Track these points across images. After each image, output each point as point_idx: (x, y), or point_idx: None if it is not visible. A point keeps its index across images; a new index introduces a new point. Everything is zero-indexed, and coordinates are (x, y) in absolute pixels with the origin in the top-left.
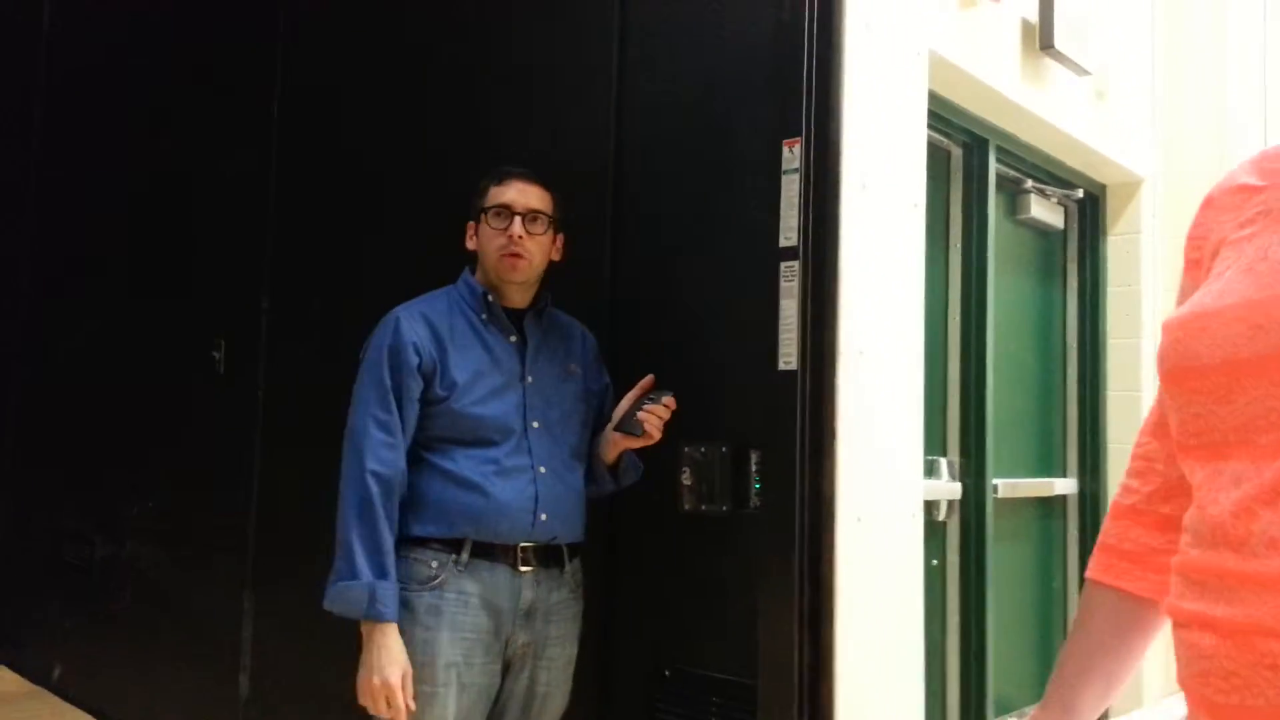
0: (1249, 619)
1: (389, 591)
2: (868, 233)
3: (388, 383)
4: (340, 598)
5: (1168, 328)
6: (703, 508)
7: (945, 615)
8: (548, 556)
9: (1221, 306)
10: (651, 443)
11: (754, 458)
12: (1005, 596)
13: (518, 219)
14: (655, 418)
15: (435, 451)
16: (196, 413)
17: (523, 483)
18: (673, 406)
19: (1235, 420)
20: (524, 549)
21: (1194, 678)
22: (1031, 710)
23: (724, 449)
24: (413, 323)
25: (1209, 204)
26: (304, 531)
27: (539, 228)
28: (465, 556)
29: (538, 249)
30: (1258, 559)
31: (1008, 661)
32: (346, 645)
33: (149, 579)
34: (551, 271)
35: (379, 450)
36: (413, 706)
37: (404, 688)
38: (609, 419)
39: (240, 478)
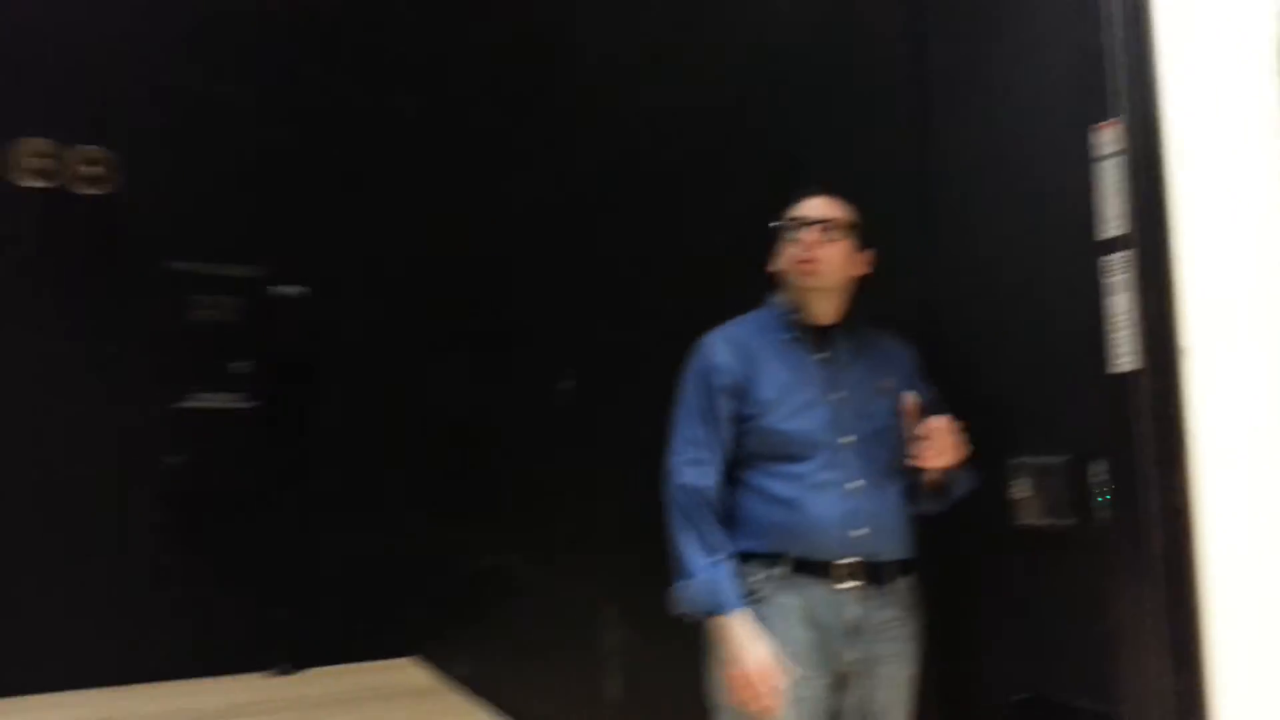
0: None
1: (727, 583)
2: (1212, 216)
3: (698, 404)
4: (683, 598)
5: None
6: (1041, 523)
7: None
8: (871, 573)
9: None
10: (943, 466)
11: (1096, 468)
12: None
13: (810, 227)
14: (928, 454)
15: (750, 469)
16: (551, 435)
17: (834, 498)
18: (939, 428)
19: None
20: (843, 565)
21: None
22: None
23: (1061, 459)
24: (721, 345)
25: None
26: (660, 541)
27: (833, 235)
28: (784, 571)
29: (834, 256)
30: None
31: None
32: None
33: (526, 586)
34: (862, 288)
35: (686, 468)
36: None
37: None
38: None
39: (589, 494)
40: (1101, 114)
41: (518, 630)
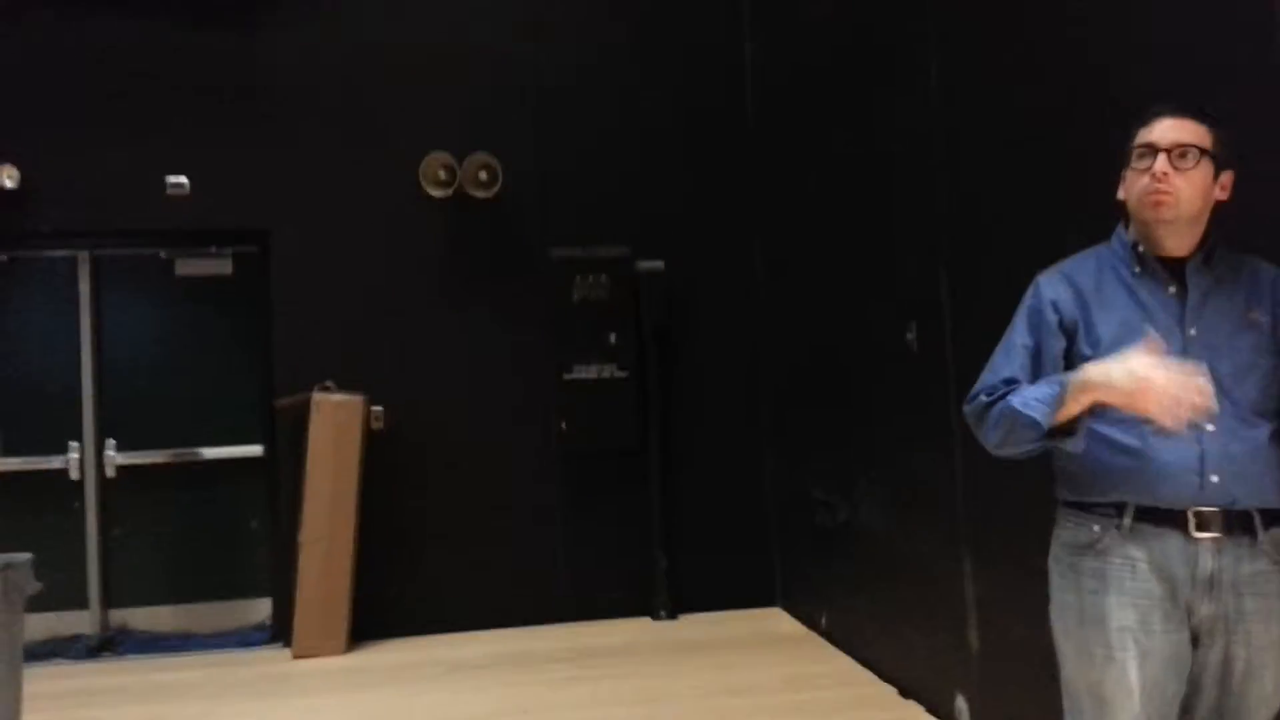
0: None
1: (1036, 384)
2: None
3: (1021, 342)
4: (1039, 422)
5: None
6: None
7: None
8: (1232, 523)
9: None
10: None
11: None
12: None
13: (1161, 156)
14: None
15: (1091, 416)
16: (900, 389)
17: (1185, 443)
18: None
19: None
20: (1198, 513)
21: None
22: None
23: None
24: (1054, 284)
25: None
26: (1013, 494)
27: (1188, 163)
28: (1128, 521)
29: (1188, 186)
30: None
31: None
32: None
33: (881, 541)
34: (1225, 213)
35: (976, 394)
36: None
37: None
38: None
39: (943, 447)
40: None
41: (875, 581)
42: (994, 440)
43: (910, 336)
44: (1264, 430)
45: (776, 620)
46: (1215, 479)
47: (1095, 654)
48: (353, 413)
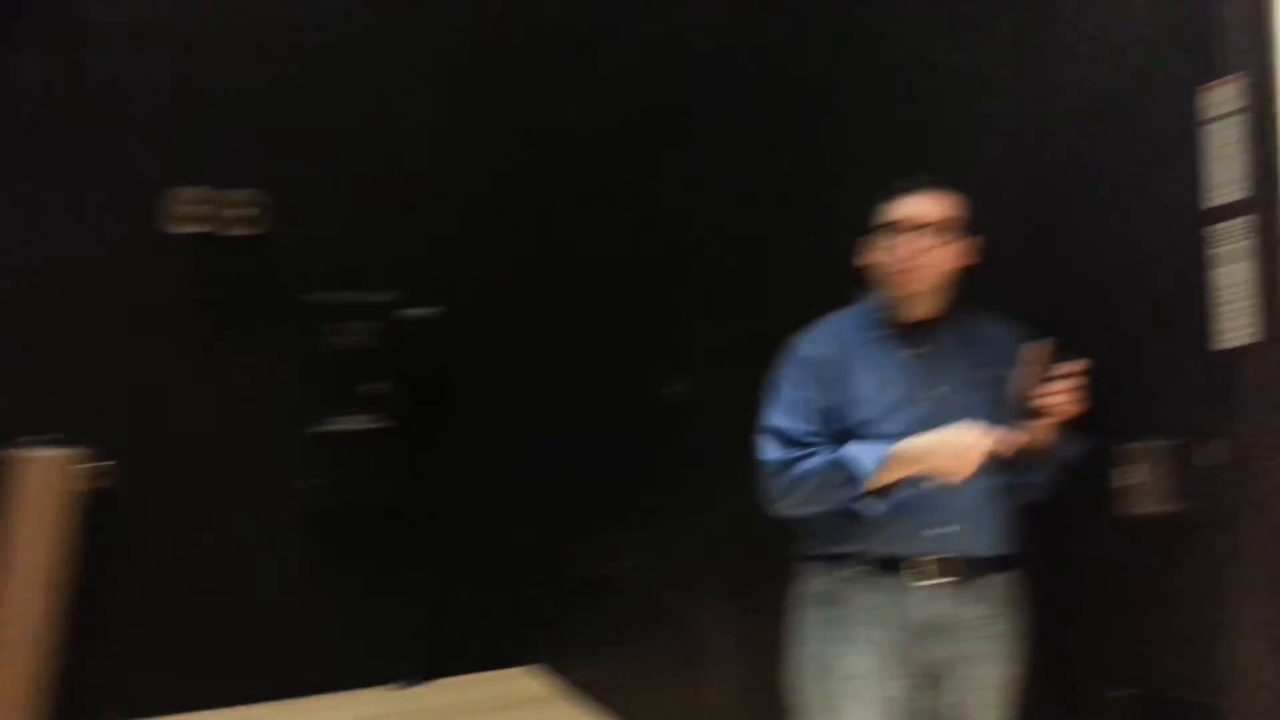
0: None
1: (859, 446)
2: None
3: (799, 395)
4: (856, 481)
5: None
6: (1148, 510)
7: None
8: (957, 569)
9: None
10: (1067, 416)
11: (1204, 450)
12: None
13: (903, 236)
14: (1053, 397)
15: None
16: (658, 442)
17: (920, 494)
18: (1075, 370)
19: None
20: (926, 561)
21: None
22: None
23: (1167, 443)
24: (814, 343)
25: None
26: (772, 547)
27: (931, 239)
28: (865, 570)
29: (931, 260)
30: None
31: None
32: None
33: (642, 595)
34: (969, 274)
35: (778, 449)
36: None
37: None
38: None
39: (701, 501)
40: (1209, 75)
41: (635, 636)
42: (797, 496)
43: (672, 390)
44: (994, 482)
45: (532, 681)
46: (948, 529)
47: (835, 705)
48: (58, 471)
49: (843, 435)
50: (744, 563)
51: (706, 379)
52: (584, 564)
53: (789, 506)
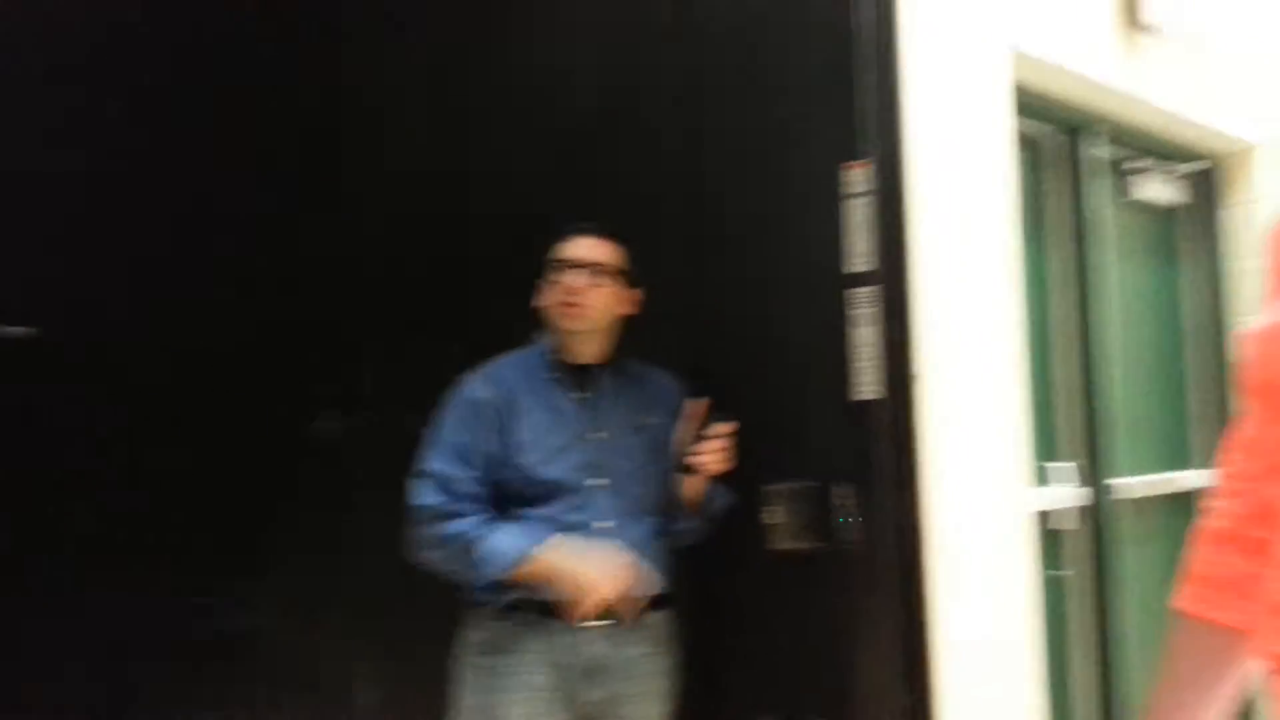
0: None
1: (511, 531)
2: (946, 248)
3: (455, 439)
4: (483, 569)
5: (1248, 340)
6: (791, 546)
7: (1071, 629)
8: (616, 611)
9: None
10: (717, 472)
11: (839, 492)
12: (1137, 603)
13: (574, 271)
14: (707, 455)
15: (500, 513)
16: (301, 485)
17: (579, 539)
18: (725, 432)
19: None
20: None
21: None
22: None
23: (808, 484)
24: (481, 383)
25: None
26: (411, 597)
27: (597, 279)
28: (525, 616)
29: (596, 300)
30: None
31: (1144, 671)
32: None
33: (279, 647)
34: (630, 325)
35: (431, 495)
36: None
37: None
38: None
39: (349, 545)
40: (852, 154)
41: (269, 694)
42: (439, 555)
43: (323, 425)
44: (650, 525)
45: None
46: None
47: None
48: None
49: (505, 481)
50: (399, 615)
51: (364, 416)
52: (200, 622)
53: (432, 560)
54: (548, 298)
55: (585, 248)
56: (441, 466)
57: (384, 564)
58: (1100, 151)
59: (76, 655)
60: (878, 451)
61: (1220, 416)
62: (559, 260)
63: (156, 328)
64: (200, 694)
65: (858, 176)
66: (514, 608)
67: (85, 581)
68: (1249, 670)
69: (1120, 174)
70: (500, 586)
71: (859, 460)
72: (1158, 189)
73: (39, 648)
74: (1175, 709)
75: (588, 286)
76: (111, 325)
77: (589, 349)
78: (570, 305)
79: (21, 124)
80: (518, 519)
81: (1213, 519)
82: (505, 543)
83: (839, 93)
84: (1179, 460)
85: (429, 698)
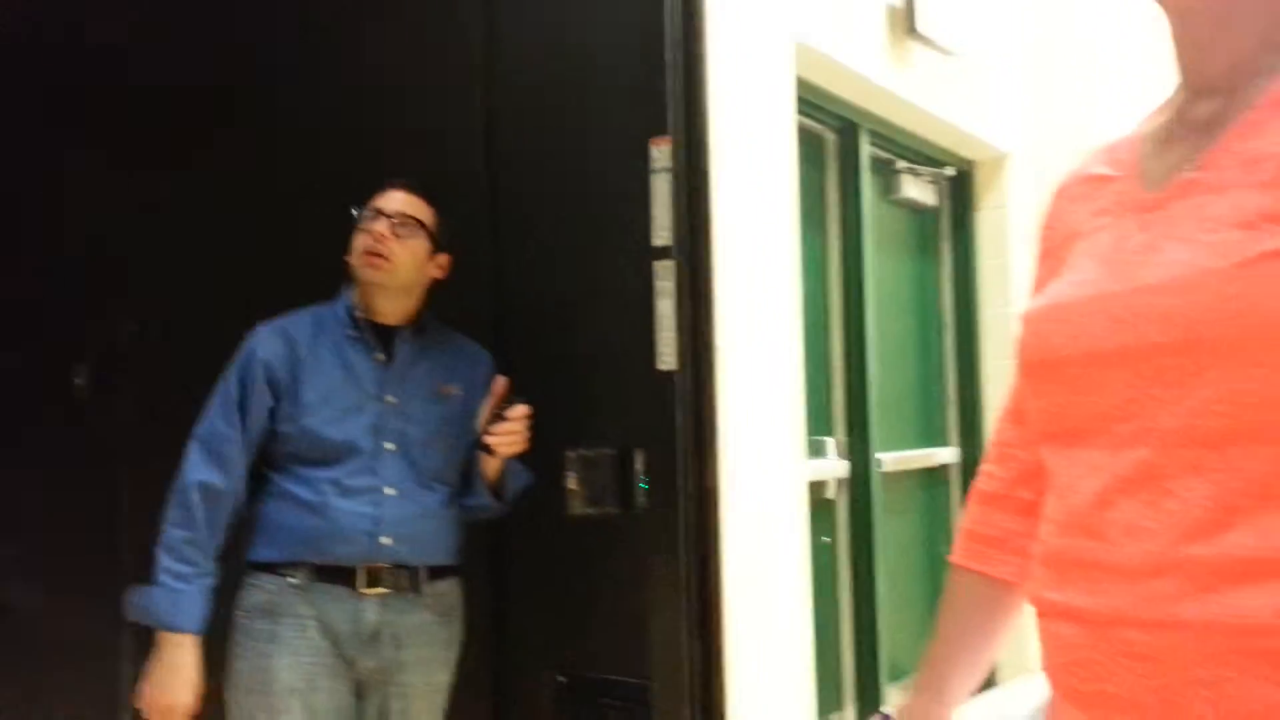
0: (1109, 608)
1: (192, 600)
2: (739, 227)
3: (234, 395)
4: (141, 605)
5: (1027, 319)
6: (590, 511)
7: (838, 590)
8: (398, 579)
9: (1080, 298)
10: (511, 454)
11: (639, 458)
12: (895, 567)
13: (384, 220)
14: (504, 435)
15: (280, 472)
16: (59, 444)
17: (363, 504)
18: (520, 415)
19: (1094, 410)
20: (368, 570)
21: (1059, 668)
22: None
23: (609, 451)
24: (269, 339)
25: (1061, 194)
26: None
27: (408, 232)
28: (301, 580)
29: (405, 254)
30: (1116, 548)
31: (900, 630)
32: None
33: (25, 617)
34: (437, 291)
35: (204, 465)
36: None
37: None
38: None
39: (107, 502)
40: (660, 129)
41: (17, 668)
42: (165, 522)
43: (79, 381)
44: (441, 494)
45: None
46: (386, 540)
47: (260, 719)
48: None
49: (288, 438)
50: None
51: (126, 369)
52: None
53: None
54: (354, 248)
55: (398, 200)
56: (208, 427)
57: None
58: (871, 150)
59: None
60: (676, 420)
61: (971, 399)
62: (372, 209)
63: None
64: None
65: (663, 153)
66: (294, 570)
67: None
68: (1016, 620)
69: (888, 173)
70: (277, 547)
71: (658, 428)
72: (920, 189)
73: None
74: (951, 655)
75: (395, 238)
76: None
77: (392, 307)
78: (375, 255)
79: None
80: (304, 481)
81: (983, 481)
82: (168, 599)
83: (646, 72)
84: (933, 438)
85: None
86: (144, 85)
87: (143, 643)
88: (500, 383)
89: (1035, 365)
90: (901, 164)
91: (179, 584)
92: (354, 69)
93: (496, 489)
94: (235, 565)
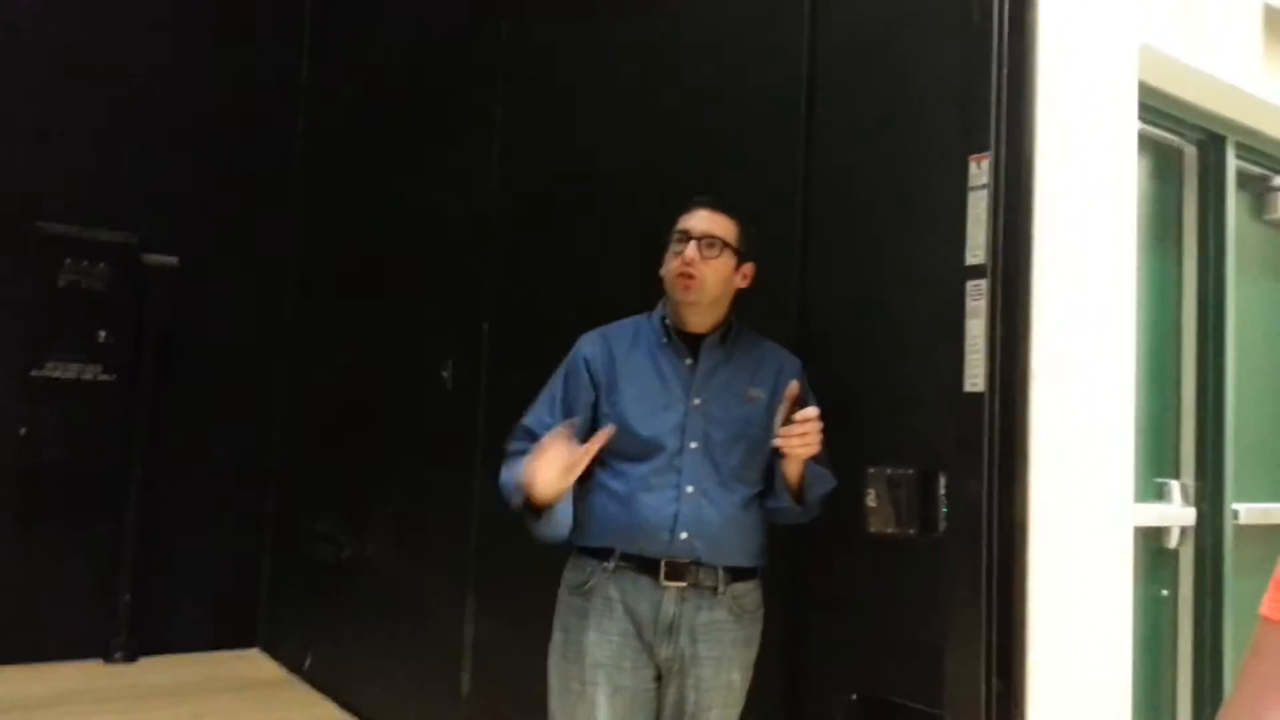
0: None
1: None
2: (1064, 249)
3: (559, 393)
4: (508, 497)
5: None
6: (889, 531)
7: (1176, 649)
8: (697, 575)
9: None
10: (804, 456)
11: (942, 481)
12: (1245, 630)
13: (692, 243)
14: (793, 438)
15: (601, 466)
16: (427, 428)
17: (665, 500)
18: (809, 417)
19: None
20: (668, 564)
21: None
22: None
23: (911, 471)
24: (592, 342)
25: None
26: (523, 537)
27: (714, 252)
28: (612, 564)
29: (711, 272)
30: None
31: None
32: None
33: (386, 579)
34: (744, 299)
35: (524, 441)
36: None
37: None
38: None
39: (462, 489)
40: (980, 146)
41: (370, 623)
42: (503, 496)
43: (445, 374)
44: (740, 495)
45: (256, 663)
46: (684, 535)
47: (572, 688)
48: None
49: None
50: (506, 552)
51: (484, 373)
52: (329, 546)
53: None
54: (666, 267)
55: (703, 220)
56: (533, 417)
57: (491, 499)
58: (1239, 164)
59: None
60: (983, 444)
61: None
62: (679, 231)
63: None
64: (325, 607)
65: (982, 168)
66: (607, 556)
67: None
68: None
69: (1260, 189)
70: (594, 534)
71: (965, 451)
72: None
73: None
74: (1251, 709)
75: (702, 259)
76: None
77: (700, 319)
78: (686, 277)
79: None
80: (619, 476)
81: None
82: (509, 470)
83: (969, 87)
84: None
85: (521, 636)
86: None
87: (483, 603)
88: (793, 386)
89: None
90: (1278, 180)
91: (505, 472)
92: (678, 90)
93: (798, 493)
94: (553, 550)
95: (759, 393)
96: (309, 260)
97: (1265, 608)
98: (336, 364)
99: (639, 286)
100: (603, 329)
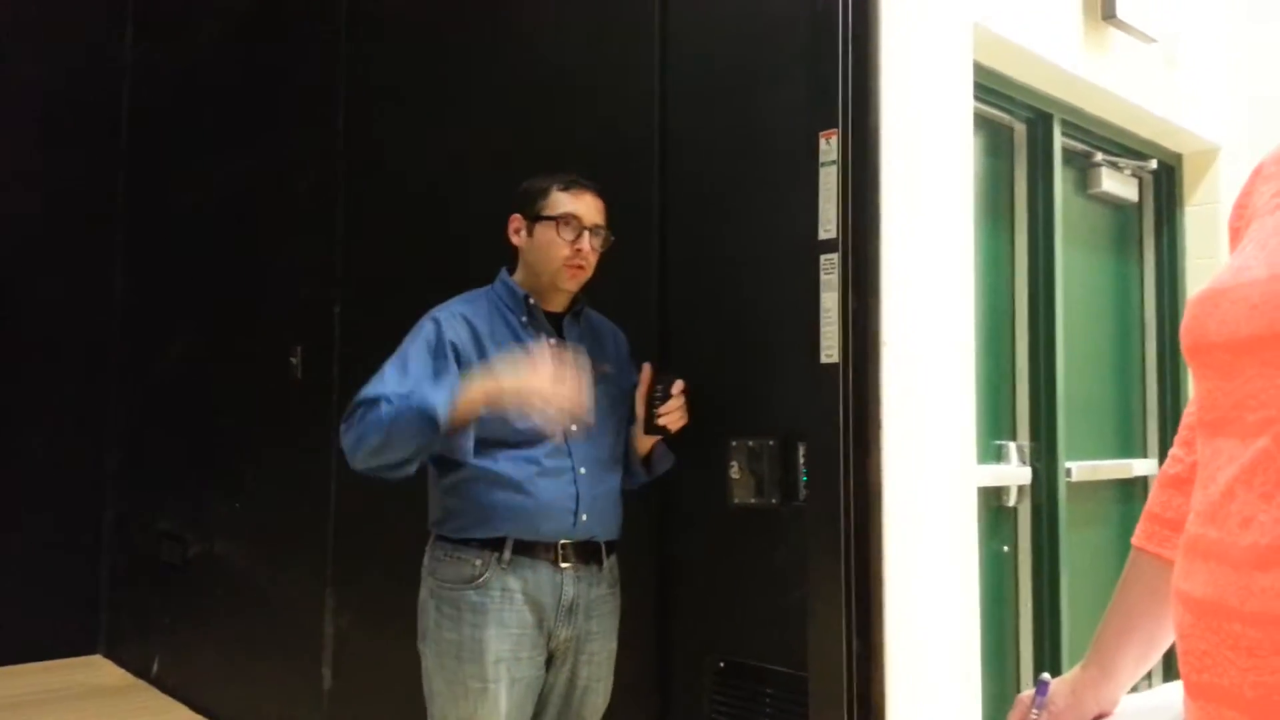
0: (1217, 598)
1: (428, 389)
2: (909, 222)
3: (419, 368)
4: (427, 420)
5: (1189, 304)
6: (752, 501)
7: (1018, 602)
8: (586, 553)
9: (1235, 284)
10: (674, 431)
11: (801, 450)
12: (1081, 582)
13: (586, 233)
14: (673, 414)
15: (481, 456)
16: (276, 418)
17: (564, 483)
18: (681, 391)
19: (1233, 398)
20: (564, 546)
21: (1180, 656)
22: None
23: (771, 442)
24: (452, 323)
25: (1258, 172)
26: (380, 530)
27: (599, 242)
28: (508, 555)
29: (595, 258)
30: (1231, 539)
31: (1083, 644)
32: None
33: (238, 576)
34: (603, 279)
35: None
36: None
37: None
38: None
39: (319, 480)
40: (828, 123)
41: (223, 621)
42: (373, 442)
43: (294, 361)
44: (617, 473)
45: (98, 670)
46: (585, 516)
47: (470, 686)
48: None
49: (482, 423)
50: (366, 544)
51: (336, 355)
52: (174, 545)
53: (371, 459)
54: (543, 246)
55: (593, 209)
56: (399, 389)
57: (351, 489)
58: (1064, 141)
59: None
60: (838, 413)
61: (1174, 409)
62: (571, 215)
63: None
64: (171, 608)
65: (831, 145)
66: (497, 545)
67: None
68: None
69: (1084, 166)
70: (483, 525)
71: (821, 420)
72: (1120, 183)
73: None
74: (1123, 634)
75: (595, 249)
76: None
77: (564, 298)
78: (577, 267)
79: None
80: (507, 463)
81: (1169, 464)
82: (436, 392)
83: (817, 65)
84: (1131, 448)
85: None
86: None
87: (343, 596)
88: (648, 368)
89: (1189, 351)
90: (1099, 156)
91: (411, 396)
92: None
93: (648, 467)
94: (417, 540)
95: (608, 367)
96: (139, 251)
97: (1136, 538)
98: (173, 355)
99: (497, 262)
100: (454, 306)
